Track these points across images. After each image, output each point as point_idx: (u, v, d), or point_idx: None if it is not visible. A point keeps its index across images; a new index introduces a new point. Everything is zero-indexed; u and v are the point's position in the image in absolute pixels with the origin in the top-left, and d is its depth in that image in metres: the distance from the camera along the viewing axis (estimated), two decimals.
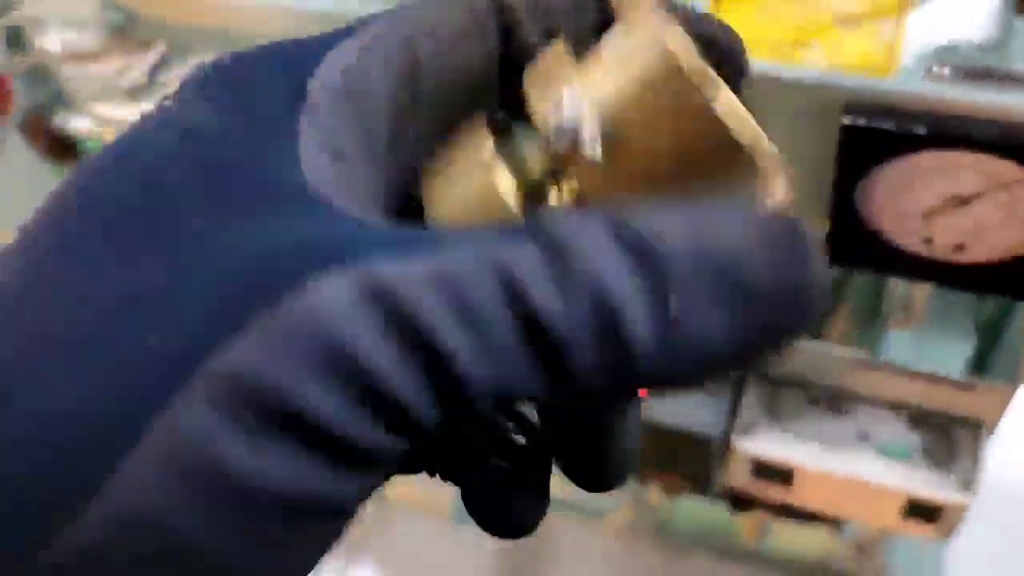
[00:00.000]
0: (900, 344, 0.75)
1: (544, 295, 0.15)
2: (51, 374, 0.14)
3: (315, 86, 0.18)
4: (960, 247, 0.56)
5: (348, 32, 0.19)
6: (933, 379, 0.69)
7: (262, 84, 0.18)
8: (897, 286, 0.69)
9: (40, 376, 0.14)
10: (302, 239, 0.16)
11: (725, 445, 0.74)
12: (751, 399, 0.74)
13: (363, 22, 0.20)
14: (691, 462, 0.77)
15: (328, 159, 0.17)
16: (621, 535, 1.08)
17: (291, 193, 0.16)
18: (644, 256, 0.15)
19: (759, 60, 0.51)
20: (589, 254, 0.15)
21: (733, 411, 0.74)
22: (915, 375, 0.70)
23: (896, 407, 0.73)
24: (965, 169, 0.51)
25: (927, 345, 0.72)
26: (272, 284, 0.15)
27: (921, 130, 0.49)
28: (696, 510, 1.35)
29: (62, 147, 0.88)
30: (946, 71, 0.49)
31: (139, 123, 0.18)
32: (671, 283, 0.15)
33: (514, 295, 0.15)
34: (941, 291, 0.68)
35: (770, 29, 0.52)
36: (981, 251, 0.56)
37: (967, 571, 1.69)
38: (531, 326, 0.15)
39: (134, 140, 0.17)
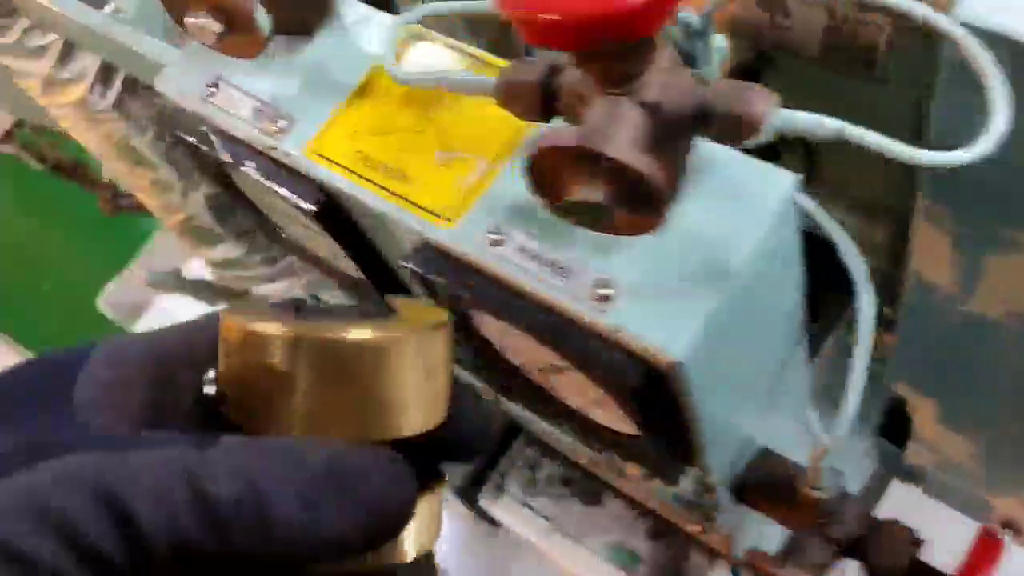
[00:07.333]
0: None
1: (213, 479, 0.24)
2: None
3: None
4: (587, 408, 0.51)
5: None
6: (664, 504, 0.64)
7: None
8: None
9: None
10: (50, 442, 0.26)
11: (470, 501, 0.73)
12: (510, 464, 0.72)
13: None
14: None
15: (96, 401, 0.29)
16: None
17: (58, 421, 0.28)
18: (291, 463, 0.25)
19: (356, 182, 0.48)
20: (269, 468, 0.25)
21: (486, 469, 0.72)
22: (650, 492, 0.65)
23: (644, 513, 0.69)
24: (535, 342, 0.46)
25: None
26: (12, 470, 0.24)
27: (462, 293, 0.45)
28: None
29: None
30: (504, 237, 0.44)
31: None
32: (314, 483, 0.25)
33: (192, 476, 0.24)
34: None
35: (377, 144, 0.48)
36: (603, 418, 0.51)
37: None
38: (202, 497, 0.24)
39: None
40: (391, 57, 0.49)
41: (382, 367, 0.27)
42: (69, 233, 1.90)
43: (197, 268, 1.72)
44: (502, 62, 0.49)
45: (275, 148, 0.50)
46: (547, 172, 0.38)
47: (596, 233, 0.41)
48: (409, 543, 0.29)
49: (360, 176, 0.48)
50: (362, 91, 0.50)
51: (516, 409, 0.71)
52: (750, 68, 0.76)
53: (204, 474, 0.25)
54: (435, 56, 0.50)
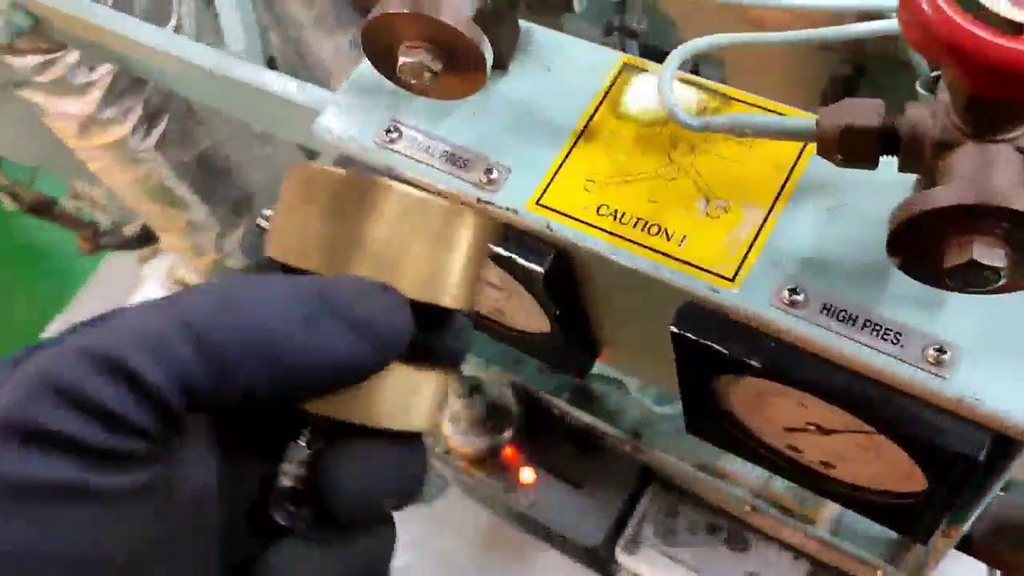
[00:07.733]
0: None
1: (209, 323, 0.24)
2: None
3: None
4: (827, 464, 0.48)
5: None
6: (832, 546, 0.61)
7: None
8: None
9: None
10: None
11: (609, 556, 0.68)
12: (645, 513, 0.68)
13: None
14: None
15: None
16: None
17: None
18: (309, 294, 0.25)
19: (608, 241, 0.43)
20: (258, 295, 0.25)
21: (621, 521, 0.68)
22: (814, 537, 0.62)
23: (798, 554, 0.66)
24: (817, 405, 0.42)
25: None
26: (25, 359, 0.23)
27: (755, 361, 0.40)
28: None
29: None
30: (801, 298, 0.40)
31: None
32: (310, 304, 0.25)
33: (183, 325, 0.23)
34: None
35: (622, 195, 0.43)
36: (850, 473, 0.47)
37: None
38: (199, 339, 0.23)
39: None
40: (621, 93, 0.44)
41: (408, 218, 0.29)
42: (6, 270, 1.76)
43: (146, 295, 1.62)
44: (748, 95, 0.44)
45: (490, 203, 0.44)
46: (919, 237, 0.33)
47: (920, 289, 0.37)
48: (402, 409, 0.29)
49: (611, 233, 0.42)
50: (587, 133, 0.45)
51: (657, 455, 0.67)
52: (848, 80, 0.74)
53: (194, 312, 0.24)
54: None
